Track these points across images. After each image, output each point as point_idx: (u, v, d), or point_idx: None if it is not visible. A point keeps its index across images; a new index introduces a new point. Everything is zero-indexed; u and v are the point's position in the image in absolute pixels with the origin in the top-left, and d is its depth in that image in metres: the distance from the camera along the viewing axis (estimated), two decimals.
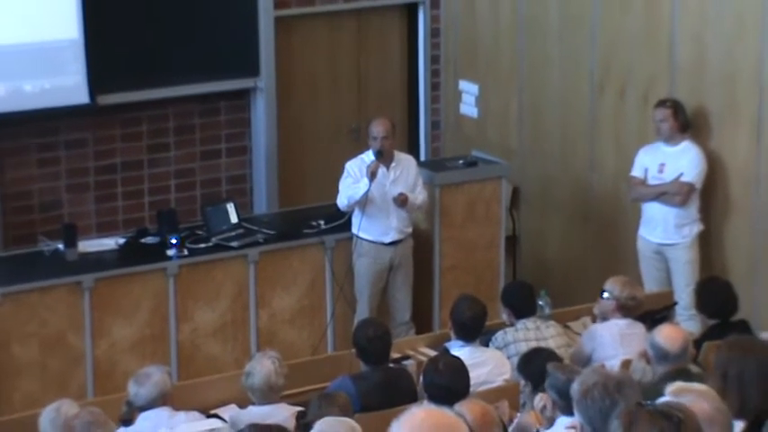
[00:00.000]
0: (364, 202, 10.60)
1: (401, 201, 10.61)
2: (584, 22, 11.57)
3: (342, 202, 10.70)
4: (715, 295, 9.12)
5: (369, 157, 10.63)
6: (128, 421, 7.81)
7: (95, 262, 10.59)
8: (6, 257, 10.99)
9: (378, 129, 10.65)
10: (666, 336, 7.46)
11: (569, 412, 6.27)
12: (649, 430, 3.98)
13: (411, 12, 12.85)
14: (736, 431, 5.31)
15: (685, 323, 9.49)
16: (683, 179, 10.51)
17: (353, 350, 8.56)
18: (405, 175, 10.74)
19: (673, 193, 10.53)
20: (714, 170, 10.64)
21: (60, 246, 10.65)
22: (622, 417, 4.11)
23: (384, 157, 10.60)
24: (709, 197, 10.70)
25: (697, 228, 10.64)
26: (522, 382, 7.63)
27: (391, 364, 8.57)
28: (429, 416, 3.68)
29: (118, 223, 11.60)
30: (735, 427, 5.34)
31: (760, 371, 5.45)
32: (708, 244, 10.73)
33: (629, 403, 5.16)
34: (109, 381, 10.08)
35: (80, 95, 11.19)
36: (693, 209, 10.62)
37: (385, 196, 10.62)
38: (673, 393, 4.93)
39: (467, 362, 7.59)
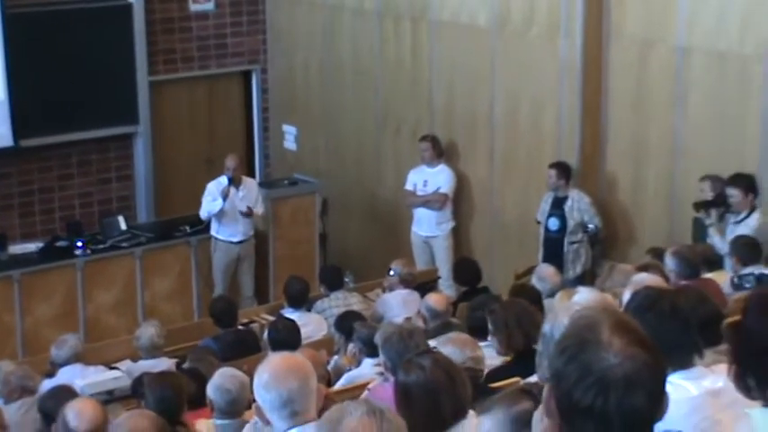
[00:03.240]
0: (220, 214, 10.63)
1: (247, 213, 10.67)
2: (370, 81, 11.63)
3: (203, 214, 10.69)
4: (465, 270, 9.25)
5: (224, 180, 10.60)
6: (51, 375, 7.71)
7: (21, 260, 10.46)
8: None
9: (231, 163, 10.66)
10: (435, 300, 7.55)
11: (372, 355, 6.44)
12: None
13: (247, 76, 12.80)
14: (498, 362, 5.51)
15: (446, 290, 9.61)
16: (441, 191, 10.66)
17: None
18: (250, 193, 10.76)
19: (434, 201, 10.67)
20: (462, 184, 10.81)
21: None
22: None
23: (235, 182, 10.60)
24: (459, 203, 10.86)
25: (451, 224, 10.80)
26: (338, 335, 7.71)
27: (240, 327, 8.56)
28: (284, 359, 3.68)
29: (37, 232, 11.37)
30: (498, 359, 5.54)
31: (518, 320, 5.62)
32: (459, 235, 10.88)
33: (417, 345, 5.31)
34: (34, 346, 9.89)
35: (6, 140, 10.98)
36: (448, 211, 10.77)
37: (235, 209, 10.62)
38: (434, 341, 5.13)
39: (297, 323, 7.66)
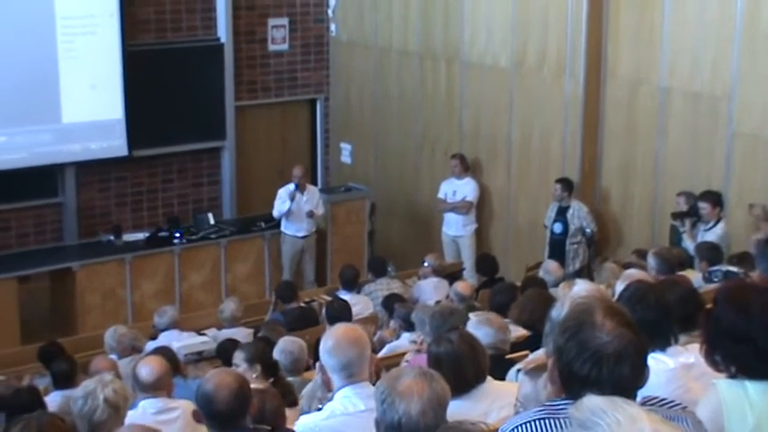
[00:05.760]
0: (288, 213, 10.64)
1: (311, 215, 10.69)
2: (412, 109, 11.60)
3: (275, 213, 10.68)
4: (486, 263, 9.27)
5: (291, 186, 10.62)
6: (154, 337, 7.82)
7: (132, 246, 10.55)
8: (80, 244, 10.85)
9: (297, 171, 10.68)
10: (462, 287, 7.53)
11: (409, 330, 6.45)
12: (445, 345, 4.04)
13: (312, 103, 12.75)
14: (518, 332, 5.50)
15: (470, 279, 9.53)
16: (467, 199, 10.62)
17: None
18: (313, 198, 10.75)
19: (461, 207, 10.63)
20: (484, 193, 10.77)
21: (111, 237, 10.62)
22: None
23: (301, 188, 10.62)
24: (482, 209, 10.82)
25: (474, 226, 10.75)
26: (382, 313, 7.74)
27: (303, 304, 8.57)
28: (347, 330, 3.69)
29: (144, 224, 11.39)
30: (516, 330, 5.54)
31: (532, 303, 5.63)
32: (480, 235, 10.83)
33: (454, 322, 5.29)
34: (141, 315, 10.01)
35: (123, 151, 11.02)
36: (472, 216, 10.73)
37: (301, 210, 10.61)
38: (474, 315, 5.13)
39: (349, 302, 7.69)
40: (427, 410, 2.76)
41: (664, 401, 2.49)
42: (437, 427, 2.76)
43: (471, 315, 5.14)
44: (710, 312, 2.86)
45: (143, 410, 4.74)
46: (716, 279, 6.85)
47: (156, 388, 4.81)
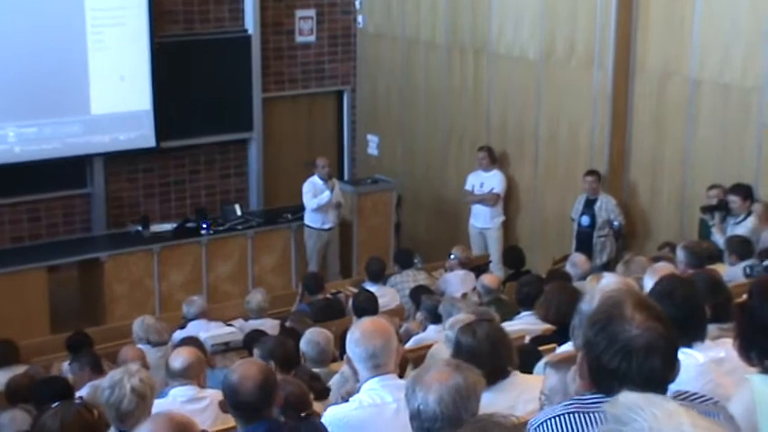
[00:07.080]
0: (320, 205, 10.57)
1: (339, 205, 10.68)
2: (439, 101, 11.57)
3: (314, 205, 10.55)
4: (512, 256, 9.24)
5: (315, 179, 10.58)
6: (182, 327, 7.82)
7: (160, 237, 10.55)
8: (109, 234, 10.91)
9: (322, 161, 10.68)
10: (489, 280, 7.52)
11: (435, 322, 6.43)
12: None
13: (339, 95, 12.75)
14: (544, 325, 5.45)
15: (496, 272, 9.50)
16: (494, 191, 10.58)
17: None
18: (336, 189, 10.71)
19: (488, 200, 10.60)
20: (511, 186, 10.72)
21: (139, 228, 10.63)
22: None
23: (327, 178, 10.60)
24: (509, 201, 10.77)
25: (502, 218, 10.71)
26: (408, 305, 7.71)
27: (329, 296, 8.54)
28: (373, 321, 3.70)
29: (172, 215, 11.41)
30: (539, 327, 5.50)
31: (557, 298, 5.60)
32: (507, 227, 10.79)
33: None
34: (168, 305, 10.04)
35: (150, 142, 11.05)
36: (499, 208, 10.69)
37: (327, 201, 10.58)
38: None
39: (375, 294, 7.63)
40: (445, 398, 2.75)
41: (695, 396, 2.46)
42: (458, 416, 2.74)
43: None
44: (744, 306, 2.82)
45: (173, 399, 4.78)
46: (756, 274, 6.77)
47: (187, 376, 4.85)
